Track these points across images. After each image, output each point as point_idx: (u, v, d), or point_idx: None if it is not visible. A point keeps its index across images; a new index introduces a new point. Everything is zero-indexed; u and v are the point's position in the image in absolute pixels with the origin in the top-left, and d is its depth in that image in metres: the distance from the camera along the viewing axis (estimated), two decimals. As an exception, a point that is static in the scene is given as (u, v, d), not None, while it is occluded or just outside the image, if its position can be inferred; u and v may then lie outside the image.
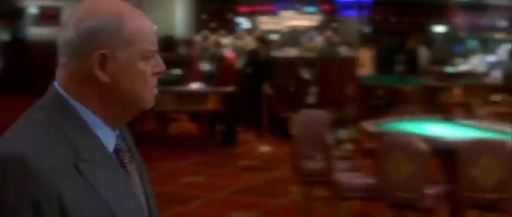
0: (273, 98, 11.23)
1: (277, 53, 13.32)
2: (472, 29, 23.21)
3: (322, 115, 7.06)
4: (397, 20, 22.70)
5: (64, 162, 1.47)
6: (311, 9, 20.75)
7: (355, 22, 20.54)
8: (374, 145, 5.75)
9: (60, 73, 1.59)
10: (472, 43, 21.58)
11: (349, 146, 8.92)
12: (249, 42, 14.27)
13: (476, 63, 15.98)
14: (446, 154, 5.50)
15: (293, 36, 18.84)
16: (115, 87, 1.57)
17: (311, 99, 11.84)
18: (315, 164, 6.39)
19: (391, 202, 5.46)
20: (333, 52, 13.63)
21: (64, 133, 1.51)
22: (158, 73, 1.63)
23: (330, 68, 11.95)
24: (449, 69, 16.27)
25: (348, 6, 20.59)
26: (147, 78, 1.61)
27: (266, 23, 20.27)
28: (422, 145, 5.26)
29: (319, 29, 19.10)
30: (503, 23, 23.45)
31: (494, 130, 6.07)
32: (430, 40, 20.17)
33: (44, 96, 1.60)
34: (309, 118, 6.93)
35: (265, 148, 10.63)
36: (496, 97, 12.32)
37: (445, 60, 19.11)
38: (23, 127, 1.53)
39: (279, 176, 8.77)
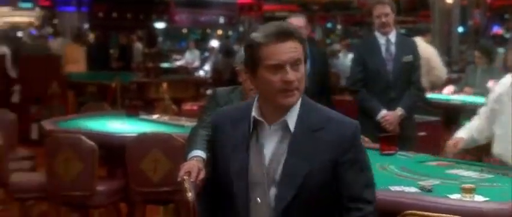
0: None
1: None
2: (193, 26, 24.00)
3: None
4: (120, 17, 22.76)
5: None
6: (28, 4, 19.99)
7: (75, 18, 20.19)
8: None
9: None
10: (195, 39, 22.25)
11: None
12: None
13: (189, 58, 16.41)
14: (116, 150, 5.50)
15: (8, 34, 17.98)
16: None
17: (15, 97, 11.41)
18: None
19: (59, 201, 5.39)
20: (38, 49, 13.14)
21: None
22: None
23: (33, 65, 11.50)
24: (165, 65, 16.57)
25: (67, 3, 20.16)
26: None
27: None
28: (90, 143, 5.23)
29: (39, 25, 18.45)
30: (221, 20, 24.46)
31: (171, 124, 6.22)
32: (149, 36, 20.48)
33: None
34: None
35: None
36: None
37: (165, 56, 19.52)
38: None
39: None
